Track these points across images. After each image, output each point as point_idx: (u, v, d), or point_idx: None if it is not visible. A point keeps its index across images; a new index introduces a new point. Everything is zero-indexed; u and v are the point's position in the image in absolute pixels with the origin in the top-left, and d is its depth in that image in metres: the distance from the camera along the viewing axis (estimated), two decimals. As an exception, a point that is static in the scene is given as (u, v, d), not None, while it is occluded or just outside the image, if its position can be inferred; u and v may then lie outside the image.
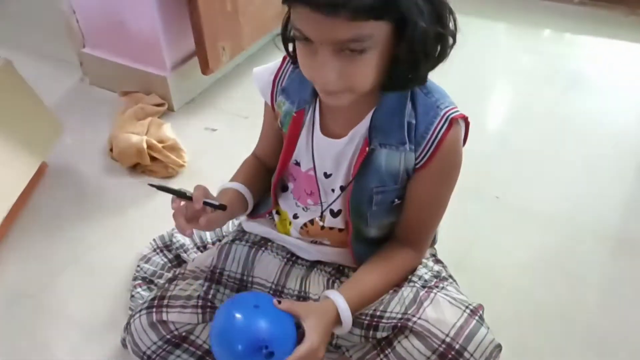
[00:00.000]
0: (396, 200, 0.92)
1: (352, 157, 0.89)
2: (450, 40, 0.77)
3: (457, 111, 0.85)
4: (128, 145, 1.67)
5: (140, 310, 0.98)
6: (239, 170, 1.05)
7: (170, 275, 1.29)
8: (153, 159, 1.69)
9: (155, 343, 0.97)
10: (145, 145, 1.66)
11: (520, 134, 1.95)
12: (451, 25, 0.76)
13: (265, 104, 1.00)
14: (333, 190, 0.94)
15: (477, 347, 0.84)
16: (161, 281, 1.33)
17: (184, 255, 1.37)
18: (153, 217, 1.57)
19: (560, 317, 1.31)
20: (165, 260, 1.39)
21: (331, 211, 0.97)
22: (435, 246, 1.11)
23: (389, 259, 0.95)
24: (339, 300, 0.86)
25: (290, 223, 1.04)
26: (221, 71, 1.98)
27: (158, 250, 1.41)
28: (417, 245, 0.97)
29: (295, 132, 0.92)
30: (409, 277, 0.98)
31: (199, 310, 0.98)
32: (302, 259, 1.07)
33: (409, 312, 0.89)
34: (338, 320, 0.86)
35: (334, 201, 0.95)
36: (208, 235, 1.42)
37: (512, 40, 2.60)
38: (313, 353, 0.80)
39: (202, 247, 1.40)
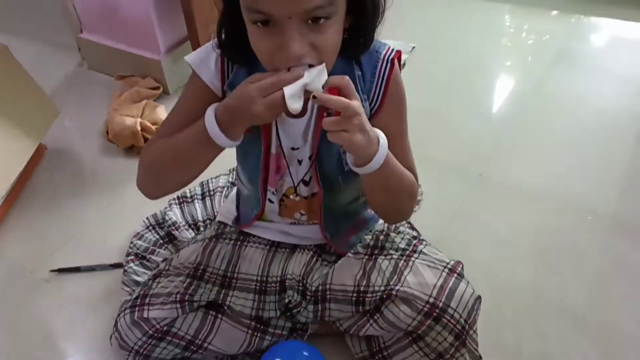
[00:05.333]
0: None
1: (316, 128, 0.93)
2: None
3: (393, 50, 0.91)
4: (122, 127, 1.72)
5: (124, 309, 1.04)
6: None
7: (159, 258, 1.36)
8: (147, 140, 1.75)
9: (140, 339, 1.04)
10: (139, 127, 1.71)
11: (509, 112, 1.98)
12: None
13: (199, 85, 0.93)
14: (300, 162, 0.99)
15: (459, 301, 0.92)
16: (153, 257, 1.39)
17: (175, 233, 1.43)
18: (147, 196, 1.63)
19: (538, 294, 1.34)
20: (157, 237, 1.44)
21: (303, 181, 1.02)
22: (417, 219, 1.15)
23: None
24: (378, 130, 0.84)
25: (262, 213, 1.10)
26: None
27: (150, 228, 1.46)
28: None
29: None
30: (387, 247, 1.04)
31: (178, 305, 1.03)
32: (284, 244, 1.13)
33: (391, 282, 0.95)
34: (376, 142, 0.82)
35: (306, 172, 1.00)
36: (199, 214, 1.48)
37: (504, 19, 2.61)
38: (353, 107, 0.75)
39: (193, 225, 1.46)
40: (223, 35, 0.85)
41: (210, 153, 0.85)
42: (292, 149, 0.98)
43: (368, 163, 0.81)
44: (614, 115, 1.93)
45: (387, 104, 0.92)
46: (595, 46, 2.34)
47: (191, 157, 0.88)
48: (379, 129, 0.93)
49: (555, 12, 2.57)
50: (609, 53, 2.27)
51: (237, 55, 0.87)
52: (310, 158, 0.97)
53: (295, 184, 1.02)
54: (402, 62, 0.94)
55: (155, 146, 0.92)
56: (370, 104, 0.92)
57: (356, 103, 0.75)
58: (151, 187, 0.97)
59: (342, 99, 0.74)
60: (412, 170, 0.97)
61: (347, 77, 0.76)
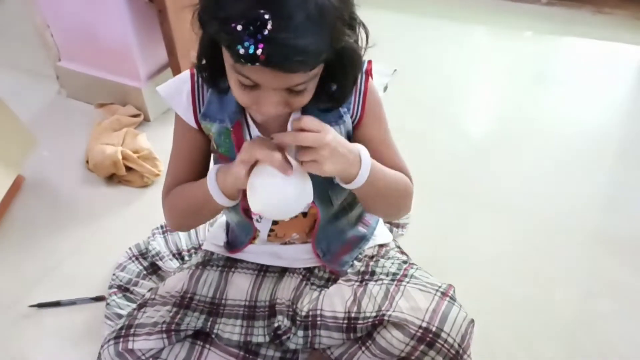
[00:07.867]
0: None
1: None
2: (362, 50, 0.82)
3: (365, 60, 0.90)
4: (103, 156, 1.70)
5: (108, 341, 0.99)
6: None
7: (143, 290, 1.33)
8: (129, 169, 1.72)
9: None
10: (120, 156, 1.68)
11: (490, 132, 2.00)
12: (363, 33, 0.81)
13: (183, 127, 0.96)
14: None
15: (452, 325, 0.89)
16: (137, 289, 1.36)
17: (159, 263, 1.40)
18: (129, 225, 1.60)
19: (531, 314, 1.34)
20: (141, 268, 1.41)
21: None
22: (405, 242, 1.14)
23: None
24: (361, 147, 0.85)
25: (255, 238, 1.08)
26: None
27: (134, 258, 1.43)
28: None
29: (241, 144, 0.92)
30: (377, 273, 1.02)
31: (164, 335, 0.98)
32: (273, 268, 1.10)
33: (383, 308, 0.93)
34: (357, 161, 0.83)
35: None
36: (184, 243, 1.45)
37: (481, 41, 2.65)
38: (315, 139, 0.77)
39: (178, 255, 1.43)
40: (203, 61, 0.84)
41: (219, 205, 0.90)
42: None
43: (352, 181, 0.83)
44: (592, 134, 1.95)
45: (367, 114, 0.93)
46: (571, 66, 2.38)
47: (203, 209, 0.94)
48: (364, 138, 0.93)
49: (529, 33, 2.62)
50: (583, 73, 2.31)
51: (216, 83, 0.86)
52: None
53: None
54: (384, 86, 0.94)
55: (170, 200, 0.99)
56: (351, 117, 0.92)
57: (320, 135, 0.77)
58: (179, 228, 1.10)
59: (302, 134, 0.76)
60: (403, 168, 0.97)
61: (310, 116, 0.79)
